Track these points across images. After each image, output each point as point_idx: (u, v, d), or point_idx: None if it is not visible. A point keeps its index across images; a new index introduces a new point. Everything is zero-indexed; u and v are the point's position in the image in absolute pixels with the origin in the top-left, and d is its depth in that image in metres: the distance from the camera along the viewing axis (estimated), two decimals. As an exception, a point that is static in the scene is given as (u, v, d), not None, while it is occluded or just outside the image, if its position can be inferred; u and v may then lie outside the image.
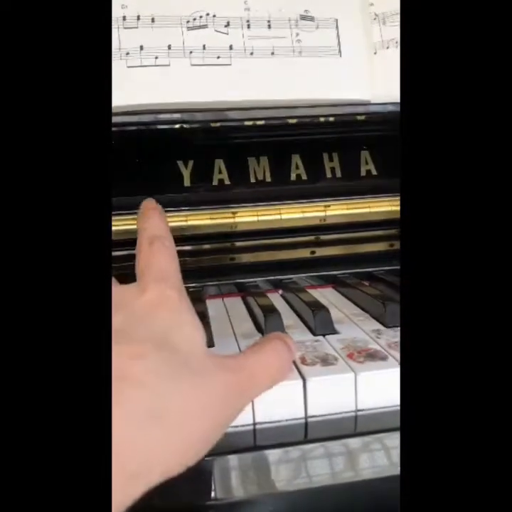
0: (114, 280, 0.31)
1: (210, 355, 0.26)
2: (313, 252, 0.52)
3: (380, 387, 0.31)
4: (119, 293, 0.27)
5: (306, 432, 0.30)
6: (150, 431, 0.21)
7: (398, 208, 0.50)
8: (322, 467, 0.29)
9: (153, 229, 0.31)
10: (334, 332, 0.38)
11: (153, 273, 0.28)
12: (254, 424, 0.30)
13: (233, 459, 0.29)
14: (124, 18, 0.43)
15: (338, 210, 0.50)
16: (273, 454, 0.29)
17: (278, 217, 0.49)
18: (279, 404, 0.30)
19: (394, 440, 0.30)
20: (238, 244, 0.50)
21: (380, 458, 0.30)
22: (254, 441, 0.29)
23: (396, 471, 0.29)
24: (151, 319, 0.25)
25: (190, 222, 0.48)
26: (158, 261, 0.29)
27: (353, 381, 0.31)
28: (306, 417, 0.30)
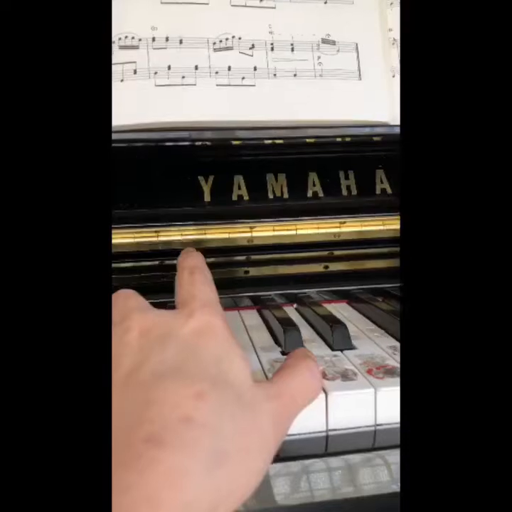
0: (153, 308, 0.31)
1: (256, 384, 0.27)
2: (326, 267, 0.53)
3: (398, 403, 0.32)
4: (166, 320, 0.28)
5: (327, 446, 0.31)
6: (217, 473, 0.22)
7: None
8: (342, 481, 0.30)
9: (192, 261, 0.33)
10: (352, 347, 0.39)
11: (198, 300, 0.29)
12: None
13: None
14: (154, 39, 0.44)
15: (353, 226, 0.51)
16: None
17: (294, 232, 0.50)
18: (300, 417, 0.30)
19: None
20: (254, 257, 0.51)
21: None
22: (277, 454, 0.30)
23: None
24: (202, 351, 0.26)
25: (208, 236, 0.49)
26: (201, 289, 0.30)
27: (373, 396, 0.32)
28: (327, 431, 0.31)
